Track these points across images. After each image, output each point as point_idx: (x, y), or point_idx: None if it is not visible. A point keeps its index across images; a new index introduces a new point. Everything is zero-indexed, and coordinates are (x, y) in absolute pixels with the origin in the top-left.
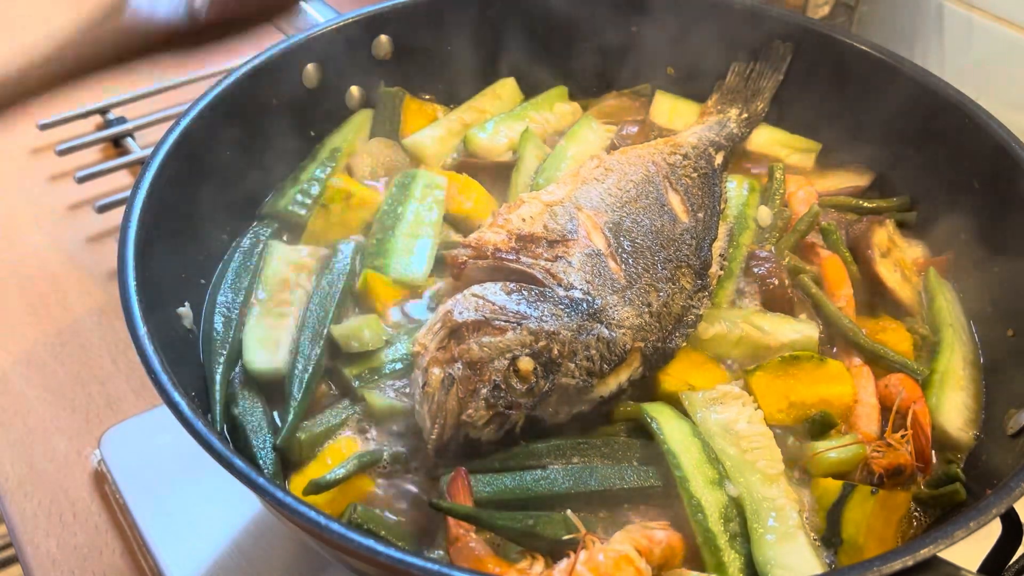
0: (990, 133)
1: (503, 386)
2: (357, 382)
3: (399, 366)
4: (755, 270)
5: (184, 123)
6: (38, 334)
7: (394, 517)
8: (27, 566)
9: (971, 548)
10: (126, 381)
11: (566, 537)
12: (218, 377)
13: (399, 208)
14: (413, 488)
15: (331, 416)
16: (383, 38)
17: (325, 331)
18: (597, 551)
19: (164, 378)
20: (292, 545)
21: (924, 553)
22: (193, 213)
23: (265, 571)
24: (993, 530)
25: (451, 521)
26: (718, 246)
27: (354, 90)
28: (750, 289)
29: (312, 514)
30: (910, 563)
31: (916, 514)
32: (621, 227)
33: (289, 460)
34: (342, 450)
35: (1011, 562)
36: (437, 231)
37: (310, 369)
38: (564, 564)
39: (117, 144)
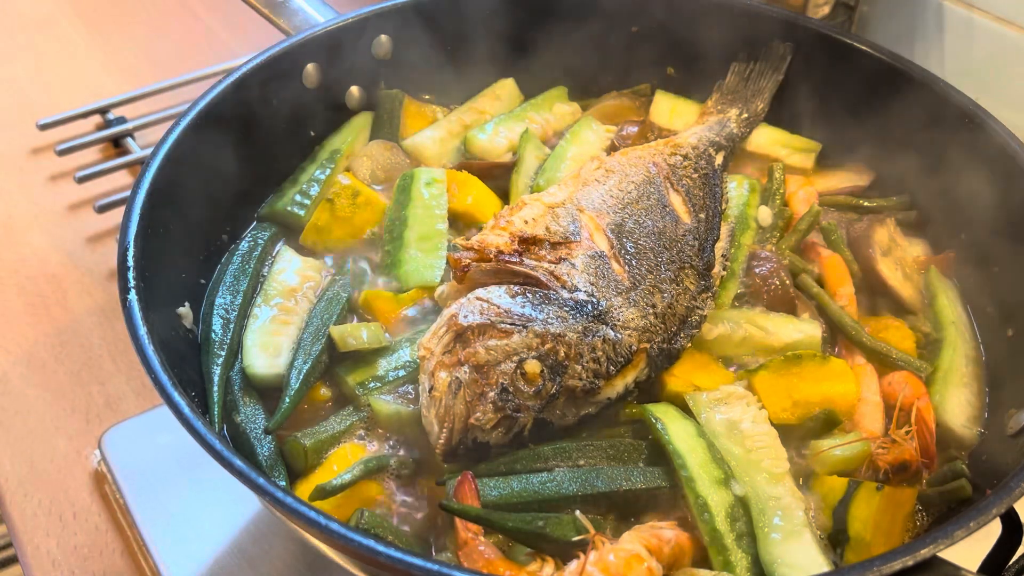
0: (990, 133)
1: (510, 389)
2: (360, 390)
3: (402, 373)
4: (756, 270)
5: (184, 123)
6: (38, 334)
7: (402, 522)
8: (27, 566)
9: (971, 548)
10: (126, 381)
11: (576, 538)
12: (216, 378)
13: (404, 212)
14: (421, 493)
15: (336, 423)
16: (383, 38)
17: (326, 331)
18: (607, 551)
19: (164, 378)
20: (292, 545)
21: (924, 553)
22: (193, 213)
23: (265, 571)
24: (993, 530)
25: (459, 524)
26: (720, 246)
27: (354, 90)
28: (752, 289)
29: (312, 514)
30: (910, 563)
31: (919, 513)
32: (623, 228)
33: (294, 467)
34: (348, 456)
35: (1011, 562)
36: (444, 228)
37: (309, 362)
38: (574, 565)
39: (117, 144)
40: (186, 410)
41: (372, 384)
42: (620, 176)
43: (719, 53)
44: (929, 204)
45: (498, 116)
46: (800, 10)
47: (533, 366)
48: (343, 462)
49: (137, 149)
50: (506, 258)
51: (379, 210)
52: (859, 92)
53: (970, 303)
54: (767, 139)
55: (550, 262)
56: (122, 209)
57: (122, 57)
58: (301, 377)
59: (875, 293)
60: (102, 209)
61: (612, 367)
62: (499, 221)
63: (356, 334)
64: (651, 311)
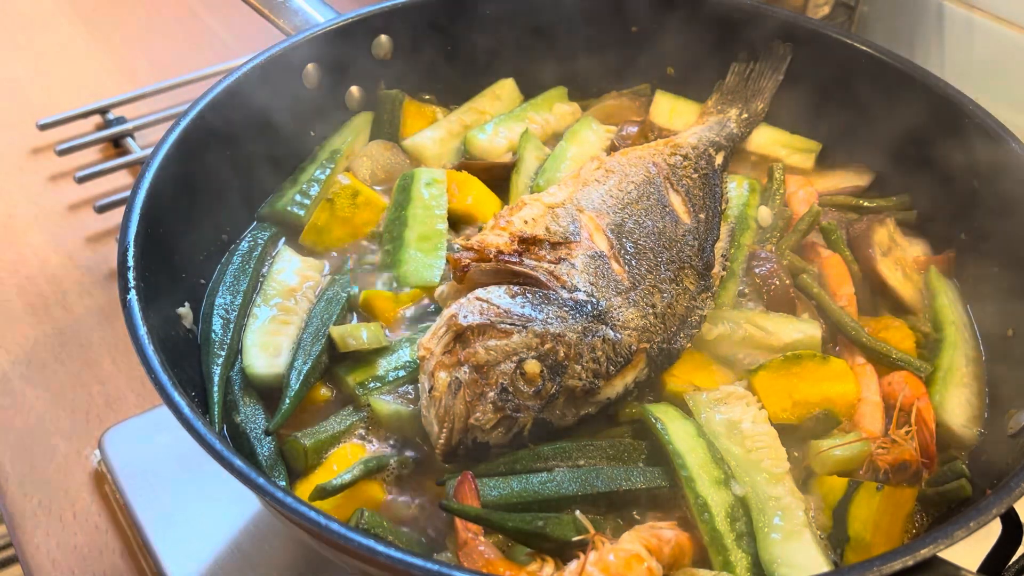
0: (990, 133)
1: (510, 389)
2: (360, 390)
3: (402, 373)
4: (756, 270)
5: (184, 123)
6: (38, 334)
7: (402, 522)
8: (27, 566)
9: (971, 548)
10: (126, 381)
11: (576, 538)
12: (216, 378)
13: (404, 212)
14: (421, 493)
15: (336, 422)
16: (383, 38)
17: (326, 331)
18: (607, 551)
19: (164, 378)
20: (292, 545)
21: (924, 553)
22: (193, 213)
23: (265, 571)
24: (993, 530)
25: (459, 524)
26: (720, 247)
27: (354, 90)
28: (752, 289)
29: (312, 514)
30: (910, 563)
31: (919, 513)
32: (623, 229)
33: (294, 467)
34: (348, 456)
35: (1011, 562)
36: (444, 228)
37: (309, 363)
38: (574, 565)
39: (117, 144)
40: (186, 410)
41: (372, 384)
42: (620, 176)
43: (719, 53)
44: (929, 204)
45: (498, 116)
46: (800, 10)
47: (533, 366)
48: (343, 462)
49: (137, 149)
50: (506, 258)
51: (379, 210)
52: (859, 92)
53: (970, 303)
54: (767, 139)
55: (550, 262)
56: (122, 209)
57: (122, 57)
58: (301, 377)
59: (875, 293)
60: (102, 209)
61: (612, 367)
62: (499, 221)
63: (356, 334)
64: (651, 311)
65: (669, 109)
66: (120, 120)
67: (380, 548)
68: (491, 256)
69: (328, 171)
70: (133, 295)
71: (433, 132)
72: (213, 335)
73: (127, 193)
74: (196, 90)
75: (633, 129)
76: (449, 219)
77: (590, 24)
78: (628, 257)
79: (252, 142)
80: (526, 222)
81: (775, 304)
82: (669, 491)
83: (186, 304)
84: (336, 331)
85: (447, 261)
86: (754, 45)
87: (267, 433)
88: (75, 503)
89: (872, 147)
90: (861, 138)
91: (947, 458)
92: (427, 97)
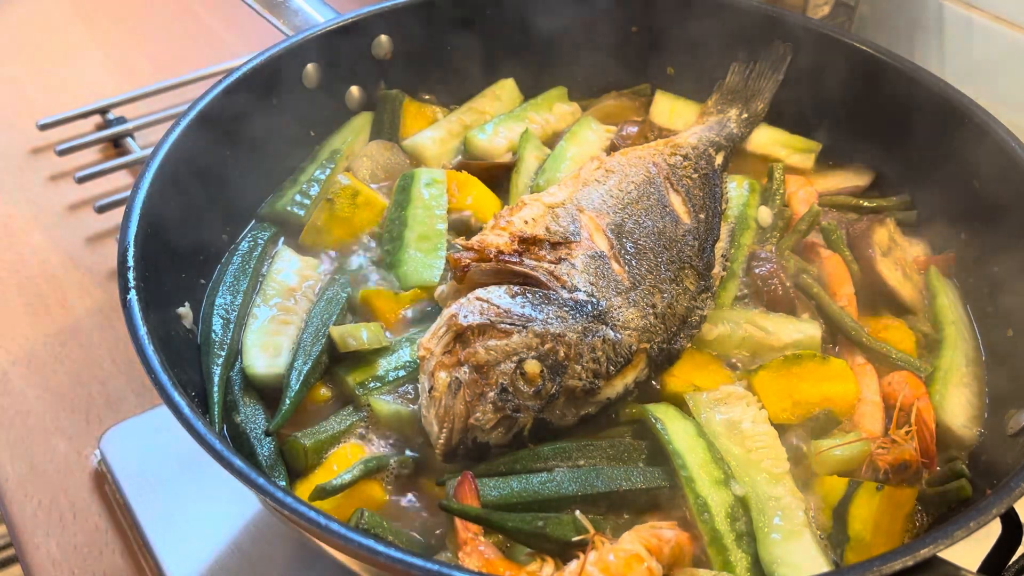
0: (990, 133)
1: (510, 389)
2: (360, 390)
3: (402, 373)
4: (756, 270)
5: (184, 123)
6: (38, 334)
7: (402, 522)
8: (27, 566)
9: (971, 548)
10: (126, 381)
11: (576, 538)
12: (216, 378)
13: (403, 212)
14: (421, 493)
15: (336, 422)
16: (383, 38)
17: (326, 331)
18: (607, 551)
19: (164, 378)
20: (292, 545)
21: (924, 553)
22: (193, 213)
23: (265, 571)
24: (993, 530)
25: (459, 524)
26: (720, 247)
27: (354, 90)
28: (752, 289)
29: (312, 514)
30: (910, 563)
31: (919, 513)
32: (623, 229)
33: (294, 467)
34: (348, 456)
35: (1011, 562)
36: (444, 228)
37: (309, 363)
38: (574, 565)
39: (117, 144)
40: (186, 410)
41: (372, 384)
42: (620, 176)
43: (719, 53)
44: (929, 204)
45: (498, 116)
46: (800, 10)
47: (533, 366)
48: (343, 462)
49: (137, 149)
50: (506, 258)
51: (379, 210)
52: (859, 92)
53: (970, 303)
54: (767, 139)
55: (550, 262)
56: (122, 209)
57: (122, 57)
58: (301, 378)
59: (875, 293)
60: (102, 209)
61: (612, 367)
62: (499, 221)
63: (356, 334)
64: (651, 311)
65: (669, 109)
66: (120, 120)
67: (380, 548)
68: (491, 256)
69: (328, 171)
70: (133, 295)
71: (433, 132)
72: (213, 335)
73: (127, 193)
74: (196, 90)
75: (633, 129)
76: (450, 222)
77: (590, 24)
78: (628, 257)
79: (252, 142)
80: (526, 222)
81: (775, 304)
82: (669, 491)
83: (186, 304)
84: (336, 331)
85: (447, 261)
86: (754, 45)
87: (267, 433)
88: (75, 503)
89: (872, 147)
90: (861, 138)
91: (947, 458)
92: (427, 97)
